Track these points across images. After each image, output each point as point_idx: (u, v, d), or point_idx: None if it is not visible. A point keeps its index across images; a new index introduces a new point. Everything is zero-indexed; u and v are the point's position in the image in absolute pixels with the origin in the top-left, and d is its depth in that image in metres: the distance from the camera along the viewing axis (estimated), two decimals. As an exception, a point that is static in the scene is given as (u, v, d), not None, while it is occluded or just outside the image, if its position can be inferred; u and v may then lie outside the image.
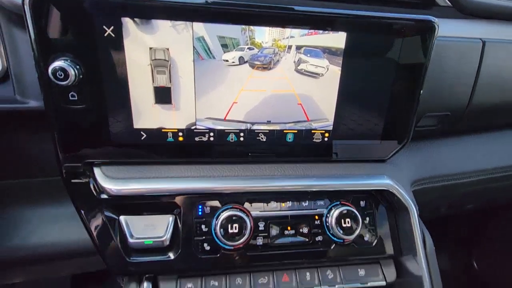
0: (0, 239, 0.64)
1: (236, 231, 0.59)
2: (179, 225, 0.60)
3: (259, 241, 0.61)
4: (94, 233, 0.57)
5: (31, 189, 0.65)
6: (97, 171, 0.57)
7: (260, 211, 0.63)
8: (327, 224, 0.64)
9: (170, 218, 0.60)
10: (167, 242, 0.58)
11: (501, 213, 1.57)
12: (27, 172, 0.64)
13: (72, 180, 0.57)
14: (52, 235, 0.66)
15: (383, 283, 0.67)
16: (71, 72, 0.48)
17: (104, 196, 0.58)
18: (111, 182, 0.56)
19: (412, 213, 0.65)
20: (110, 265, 0.57)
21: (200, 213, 0.60)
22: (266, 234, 0.62)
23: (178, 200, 0.60)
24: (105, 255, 0.56)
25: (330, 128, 0.62)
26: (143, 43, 0.51)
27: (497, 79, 0.75)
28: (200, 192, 0.59)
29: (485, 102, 0.75)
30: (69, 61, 0.48)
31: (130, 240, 0.57)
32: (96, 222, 0.57)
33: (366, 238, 0.66)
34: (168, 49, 0.52)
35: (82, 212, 0.57)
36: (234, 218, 0.59)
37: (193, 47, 0.53)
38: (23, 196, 0.65)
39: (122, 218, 0.58)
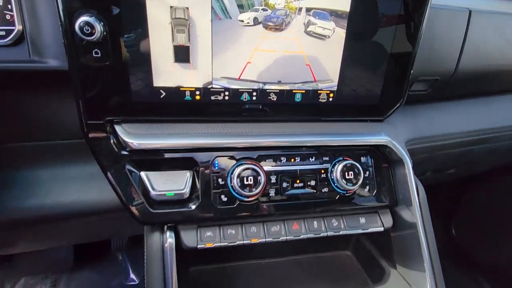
0: (17, 199, 0.66)
1: (251, 183, 0.63)
2: (197, 180, 0.64)
3: (272, 192, 0.67)
4: (118, 187, 0.60)
5: (48, 151, 0.67)
6: (118, 128, 0.59)
7: (271, 166, 0.68)
8: (332, 177, 0.70)
9: (188, 174, 0.64)
10: (187, 195, 0.62)
11: (478, 183, 1.71)
12: (45, 134, 0.66)
13: (92, 136, 0.59)
14: (69, 195, 0.68)
15: (381, 229, 0.74)
16: (98, 27, 0.50)
17: (125, 152, 0.61)
18: (132, 137, 0.59)
19: (407, 166, 0.72)
20: (135, 216, 0.60)
21: (216, 168, 0.65)
22: (277, 186, 0.67)
23: (195, 156, 0.64)
24: (130, 207, 0.60)
25: (335, 88, 0.67)
26: (164, 2, 0.53)
27: (482, 47, 0.82)
28: (217, 146, 0.63)
29: (471, 68, 0.82)
30: (93, 17, 0.50)
31: (153, 192, 0.61)
32: (119, 177, 0.60)
33: (366, 190, 0.73)
34: (187, 8, 0.55)
35: (105, 167, 0.60)
36: (248, 171, 0.64)
37: (211, 6, 0.56)
38: (40, 157, 0.67)
39: (143, 173, 0.62)
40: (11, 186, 0.66)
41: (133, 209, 0.60)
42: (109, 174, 0.60)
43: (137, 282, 1.50)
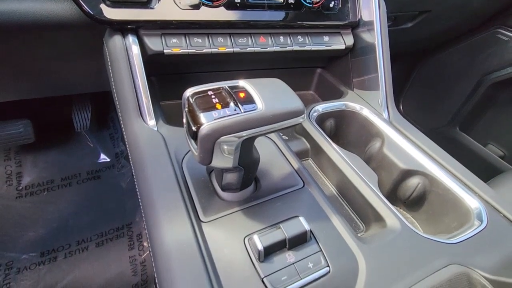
0: None
1: (215, -19, 0.60)
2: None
3: (237, -1, 0.64)
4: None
5: None
6: None
7: (236, -31, 0.63)
8: (299, -12, 0.68)
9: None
10: (145, -8, 0.57)
11: (423, 59, 1.83)
12: None
13: None
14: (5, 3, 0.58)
15: (343, 46, 0.78)
16: None
17: None
18: None
19: (372, -24, 0.72)
20: (87, 12, 0.55)
21: (175, -36, 0.59)
22: (243, -7, 0.64)
23: None
24: (82, 2, 0.54)
25: None
26: None
27: None
28: None
29: None
30: None
31: (105, -17, 0.54)
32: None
33: (331, 6, 0.73)
34: None
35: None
36: (211, -31, 0.59)
37: None
38: None
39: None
40: None
41: (86, 5, 0.54)
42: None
43: (109, 160, 1.53)
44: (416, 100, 2.04)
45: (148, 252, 1.21)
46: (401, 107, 2.17)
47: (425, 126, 1.97)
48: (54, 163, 1.42)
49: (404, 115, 2.15)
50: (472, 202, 0.55)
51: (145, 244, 1.23)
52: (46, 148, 1.43)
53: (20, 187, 1.33)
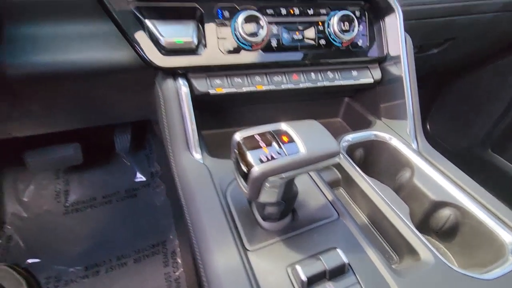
0: (13, 55, 0.65)
1: (254, 31, 0.67)
2: (203, 29, 0.67)
3: (274, 43, 0.71)
4: (128, 32, 0.62)
5: (49, 6, 0.65)
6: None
7: (272, 17, 0.71)
8: (329, 30, 0.75)
9: (192, 23, 0.66)
10: (195, 44, 0.66)
11: (451, 80, 1.82)
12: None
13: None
14: (70, 53, 0.68)
15: (371, 80, 0.82)
16: None
17: None
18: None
19: (399, 16, 0.77)
20: (147, 61, 0.64)
21: (220, 16, 0.67)
22: (278, 37, 0.71)
23: (199, 5, 0.66)
24: (142, 52, 0.63)
25: None
26: None
27: None
28: None
29: None
30: None
31: (162, 39, 0.63)
32: (127, 23, 0.62)
33: (359, 43, 0.79)
34: None
35: (113, 14, 0.61)
36: (251, 18, 0.67)
37: None
38: (41, 12, 0.65)
39: (147, 21, 0.64)
40: (7, 42, 0.65)
41: (145, 53, 0.63)
42: (118, 20, 0.61)
43: (145, 179, 1.63)
44: (444, 121, 2.01)
45: (181, 269, 1.27)
46: (428, 127, 2.13)
47: (455, 147, 1.93)
48: (97, 182, 1.54)
49: (432, 135, 2.11)
50: (506, 237, 0.56)
51: (179, 260, 1.29)
52: (91, 168, 1.56)
53: (67, 204, 1.45)
